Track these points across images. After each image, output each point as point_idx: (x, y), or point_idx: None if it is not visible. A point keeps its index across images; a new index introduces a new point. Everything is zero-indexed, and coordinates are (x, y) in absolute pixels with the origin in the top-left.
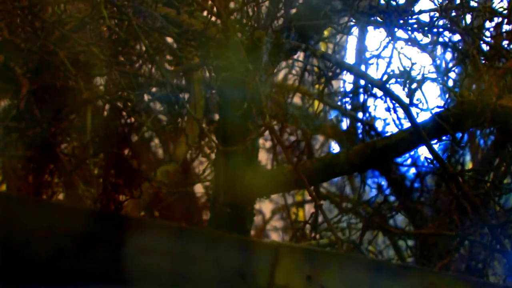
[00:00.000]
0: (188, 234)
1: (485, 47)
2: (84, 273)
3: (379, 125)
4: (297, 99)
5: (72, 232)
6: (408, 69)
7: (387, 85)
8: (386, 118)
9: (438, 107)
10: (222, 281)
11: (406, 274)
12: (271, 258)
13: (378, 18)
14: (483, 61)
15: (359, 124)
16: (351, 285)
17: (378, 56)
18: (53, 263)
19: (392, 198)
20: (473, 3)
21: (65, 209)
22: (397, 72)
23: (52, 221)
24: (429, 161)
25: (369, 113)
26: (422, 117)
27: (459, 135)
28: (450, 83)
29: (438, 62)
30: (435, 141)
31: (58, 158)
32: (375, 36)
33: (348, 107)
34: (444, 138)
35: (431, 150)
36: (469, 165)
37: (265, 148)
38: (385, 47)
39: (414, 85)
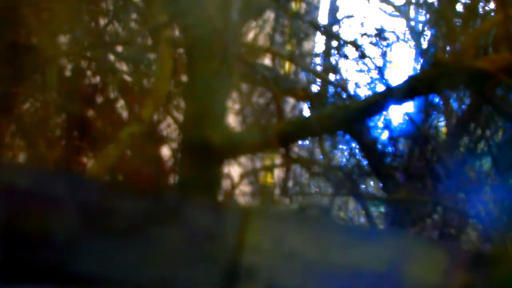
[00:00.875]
0: (154, 196)
1: (460, 8)
2: (47, 235)
3: (351, 87)
4: (267, 60)
5: (35, 192)
6: (382, 29)
7: (360, 46)
8: (358, 81)
9: (413, 69)
10: (190, 243)
11: (378, 238)
12: (241, 221)
13: None
14: (459, 22)
15: (330, 86)
16: (322, 249)
17: (351, 17)
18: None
19: (363, 163)
20: None
21: (26, 169)
22: (370, 32)
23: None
24: (402, 124)
25: (341, 75)
26: (396, 79)
27: (434, 97)
28: (425, 44)
29: (413, 23)
30: (409, 103)
31: (20, 117)
32: None
33: (319, 68)
34: (418, 100)
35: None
36: (443, 130)
37: (234, 111)
38: (359, 7)
39: (387, 46)
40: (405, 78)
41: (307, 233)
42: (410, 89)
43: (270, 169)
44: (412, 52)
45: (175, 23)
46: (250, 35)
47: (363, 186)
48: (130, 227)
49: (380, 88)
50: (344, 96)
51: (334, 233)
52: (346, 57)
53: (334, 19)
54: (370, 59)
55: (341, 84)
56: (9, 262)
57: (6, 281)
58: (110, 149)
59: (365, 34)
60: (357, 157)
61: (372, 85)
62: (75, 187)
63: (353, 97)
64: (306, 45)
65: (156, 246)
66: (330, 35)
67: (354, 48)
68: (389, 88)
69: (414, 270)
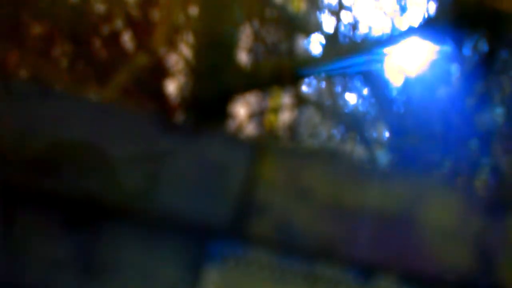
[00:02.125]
0: (165, 126)
1: None
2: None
3: (365, 27)
4: None
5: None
6: None
7: None
8: (373, 21)
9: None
10: (202, 174)
11: (392, 178)
12: (253, 154)
13: None
14: None
15: (343, 25)
16: (335, 185)
17: None
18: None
19: (373, 108)
20: None
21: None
22: None
23: None
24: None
25: (355, 14)
26: (413, 19)
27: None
28: None
29: None
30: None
31: (24, 43)
32: None
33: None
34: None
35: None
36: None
37: (245, 47)
38: None
39: None
40: (423, 18)
41: (320, 169)
42: (428, 30)
43: (278, 109)
44: None
45: None
46: None
47: (372, 131)
48: (141, 156)
49: (397, 29)
50: (357, 36)
51: (347, 171)
52: None
53: None
54: None
55: (354, 24)
56: None
57: None
58: (118, 78)
59: None
60: (367, 101)
61: (388, 26)
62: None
63: (367, 37)
64: None
65: (167, 177)
66: None
67: None
68: (407, 28)
69: (429, 213)
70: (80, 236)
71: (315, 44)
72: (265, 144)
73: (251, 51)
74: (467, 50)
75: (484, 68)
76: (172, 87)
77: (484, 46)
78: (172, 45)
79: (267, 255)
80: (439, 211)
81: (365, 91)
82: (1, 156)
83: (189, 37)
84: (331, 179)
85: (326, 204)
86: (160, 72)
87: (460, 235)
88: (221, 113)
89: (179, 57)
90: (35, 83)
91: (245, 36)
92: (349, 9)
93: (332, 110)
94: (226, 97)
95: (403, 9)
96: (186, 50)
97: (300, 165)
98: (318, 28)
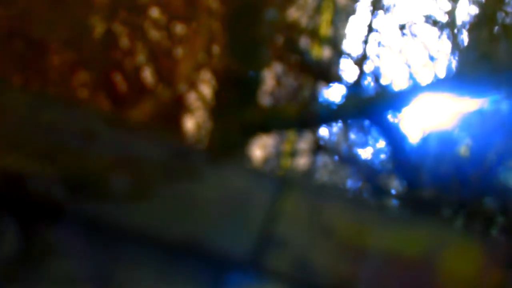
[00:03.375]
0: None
1: None
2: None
3: (386, 78)
4: (304, 41)
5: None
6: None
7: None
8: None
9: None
10: (226, 205)
11: (413, 224)
12: (276, 188)
13: None
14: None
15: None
16: (356, 226)
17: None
18: None
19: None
20: None
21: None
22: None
23: None
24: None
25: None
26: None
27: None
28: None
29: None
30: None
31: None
32: None
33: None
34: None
35: None
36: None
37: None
38: None
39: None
40: (445, 72)
41: (341, 208)
42: (450, 84)
43: (294, 154)
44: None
45: None
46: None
47: (387, 182)
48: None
49: (418, 82)
50: (378, 86)
51: (368, 212)
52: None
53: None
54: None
55: (376, 74)
56: None
57: None
58: (138, 112)
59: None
60: (384, 152)
61: (410, 78)
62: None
63: (388, 89)
64: (343, 30)
65: (192, 203)
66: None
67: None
68: (429, 82)
69: (449, 261)
70: (99, 256)
71: (336, 92)
72: (289, 179)
73: (273, 93)
74: (489, 107)
75: (505, 126)
76: (191, 123)
77: (506, 105)
78: (193, 82)
79: None
80: (459, 259)
81: (382, 142)
82: (25, 172)
83: (211, 75)
84: (353, 219)
85: (346, 244)
86: (180, 107)
87: (479, 285)
88: (239, 151)
89: (200, 95)
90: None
91: (268, 79)
92: (372, 59)
93: (347, 158)
94: (245, 135)
95: (426, 62)
96: (207, 88)
97: (323, 203)
98: (340, 76)
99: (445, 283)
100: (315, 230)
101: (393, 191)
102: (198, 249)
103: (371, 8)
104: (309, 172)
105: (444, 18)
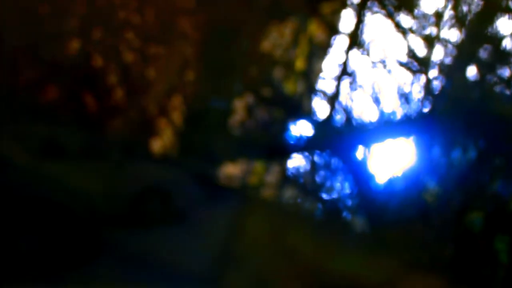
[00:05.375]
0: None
1: None
2: None
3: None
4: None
5: None
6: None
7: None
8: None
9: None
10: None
11: (376, 251)
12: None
13: None
14: None
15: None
16: (318, 249)
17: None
18: None
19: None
20: None
21: None
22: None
23: None
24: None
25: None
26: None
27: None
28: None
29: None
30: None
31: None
32: None
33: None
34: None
35: None
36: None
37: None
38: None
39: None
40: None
41: (307, 232)
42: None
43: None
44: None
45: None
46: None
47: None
48: None
49: (389, 120)
50: (348, 122)
51: (334, 238)
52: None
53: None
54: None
55: (347, 111)
56: None
57: None
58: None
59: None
60: (350, 188)
61: (380, 117)
62: None
63: (357, 125)
64: (318, 65)
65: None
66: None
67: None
68: (398, 121)
69: None
70: None
71: (306, 126)
72: (253, 198)
73: (243, 124)
74: (456, 151)
75: (474, 169)
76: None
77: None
78: (163, 106)
79: None
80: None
81: (349, 179)
82: None
83: (182, 100)
84: (315, 243)
85: (307, 266)
86: (149, 130)
87: None
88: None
89: (169, 118)
90: None
91: (239, 108)
92: (344, 95)
93: (313, 192)
94: (213, 163)
95: (398, 102)
96: (177, 112)
97: (286, 225)
98: (311, 111)
99: None
100: (276, 251)
101: (356, 228)
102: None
103: (347, 45)
104: (275, 200)
105: (418, 62)
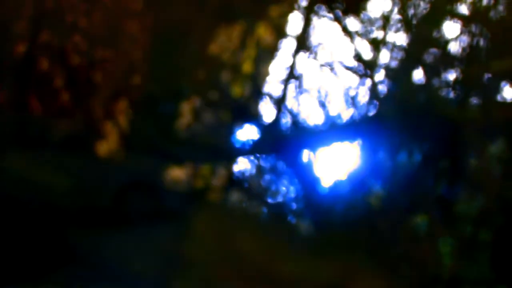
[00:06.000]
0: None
1: None
2: None
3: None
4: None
5: None
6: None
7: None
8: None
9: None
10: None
11: (323, 253)
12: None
13: None
14: None
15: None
16: (266, 253)
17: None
18: None
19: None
20: None
21: None
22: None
23: None
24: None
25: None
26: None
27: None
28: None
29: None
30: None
31: None
32: None
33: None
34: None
35: None
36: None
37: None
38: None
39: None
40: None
41: (256, 236)
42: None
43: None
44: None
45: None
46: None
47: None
48: None
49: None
50: (295, 125)
51: (283, 241)
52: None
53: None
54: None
55: (294, 114)
56: None
57: None
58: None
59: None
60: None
61: (326, 120)
62: None
63: (304, 128)
64: (265, 69)
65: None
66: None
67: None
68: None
69: None
70: None
71: (253, 129)
72: (200, 201)
73: (189, 127)
74: (402, 152)
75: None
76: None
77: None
78: (110, 108)
79: None
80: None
81: (295, 181)
82: None
83: (129, 103)
84: (262, 245)
85: (253, 269)
86: (95, 133)
87: None
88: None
89: (115, 121)
90: None
91: (186, 112)
92: (291, 99)
93: (259, 194)
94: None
95: (344, 106)
96: (123, 115)
97: (233, 227)
98: (258, 114)
99: None
100: (222, 254)
101: (301, 231)
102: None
103: (295, 48)
104: (221, 204)
105: (365, 65)
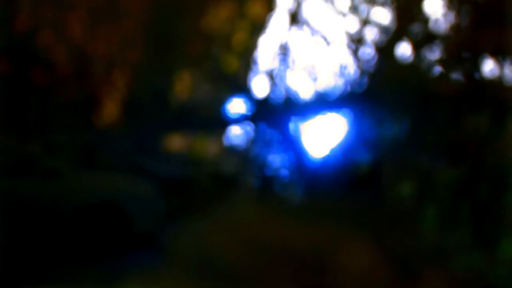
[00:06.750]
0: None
1: None
2: None
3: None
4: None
5: None
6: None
7: None
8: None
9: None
10: None
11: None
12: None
13: None
14: None
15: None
16: (259, 222)
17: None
18: None
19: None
20: None
21: None
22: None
23: None
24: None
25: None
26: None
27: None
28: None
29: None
30: None
31: None
32: None
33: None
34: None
35: None
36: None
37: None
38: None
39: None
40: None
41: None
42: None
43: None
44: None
45: None
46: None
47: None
48: None
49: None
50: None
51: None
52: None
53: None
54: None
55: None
56: None
57: None
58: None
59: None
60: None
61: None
62: None
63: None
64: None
65: None
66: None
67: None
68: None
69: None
70: None
71: (245, 101)
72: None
73: (184, 99)
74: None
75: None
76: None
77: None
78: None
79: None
80: (351, 254)
81: (285, 150)
82: None
83: (126, 76)
84: (253, 213)
85: (248, 238)
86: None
87: (369, 278)
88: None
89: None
90: None
91: (181, 84)
92: (283, 71)
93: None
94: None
95: (334, 78)
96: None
97: (227, 196)
98: (250, 86)
99: (337, 274)
100: (218, 223)
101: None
102: None
103: (287, 22)
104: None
105: (355, 41)
